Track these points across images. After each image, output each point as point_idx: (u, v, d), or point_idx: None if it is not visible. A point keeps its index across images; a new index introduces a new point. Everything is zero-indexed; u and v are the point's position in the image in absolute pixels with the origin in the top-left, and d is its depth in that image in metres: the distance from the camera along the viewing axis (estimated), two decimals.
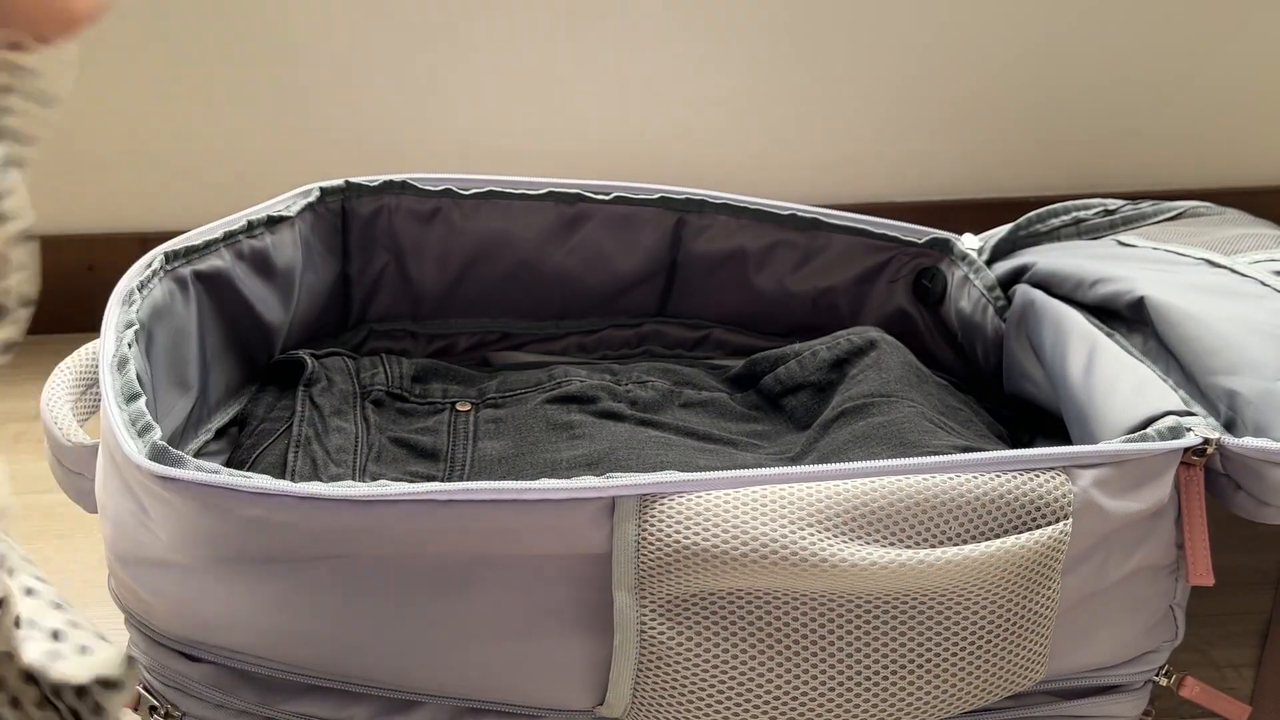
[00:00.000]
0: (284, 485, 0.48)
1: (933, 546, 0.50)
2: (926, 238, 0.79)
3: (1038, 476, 0.51)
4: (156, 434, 0.51)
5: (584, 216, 0.78)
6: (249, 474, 0.50)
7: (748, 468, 0.57)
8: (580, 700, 0.53)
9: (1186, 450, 0.53)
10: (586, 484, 0.49)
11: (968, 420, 0.70)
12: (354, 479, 0.65)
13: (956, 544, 0.50)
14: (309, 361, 0.72)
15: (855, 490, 0.50)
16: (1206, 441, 0.53)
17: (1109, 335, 0.65)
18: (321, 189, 0.75)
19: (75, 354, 0.63)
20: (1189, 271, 0.68)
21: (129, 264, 0.63)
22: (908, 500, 0.50)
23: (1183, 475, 0.54)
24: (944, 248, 0.79)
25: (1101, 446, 0.52)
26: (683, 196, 0.78)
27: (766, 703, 0.51)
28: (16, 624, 0.37)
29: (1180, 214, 0.79)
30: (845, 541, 0.49)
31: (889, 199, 0.99)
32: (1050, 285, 0.71)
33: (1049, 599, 0.52)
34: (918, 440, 0.62)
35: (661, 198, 0.78)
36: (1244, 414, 0.55)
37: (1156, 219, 0.78)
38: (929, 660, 0.51)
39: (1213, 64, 0.97)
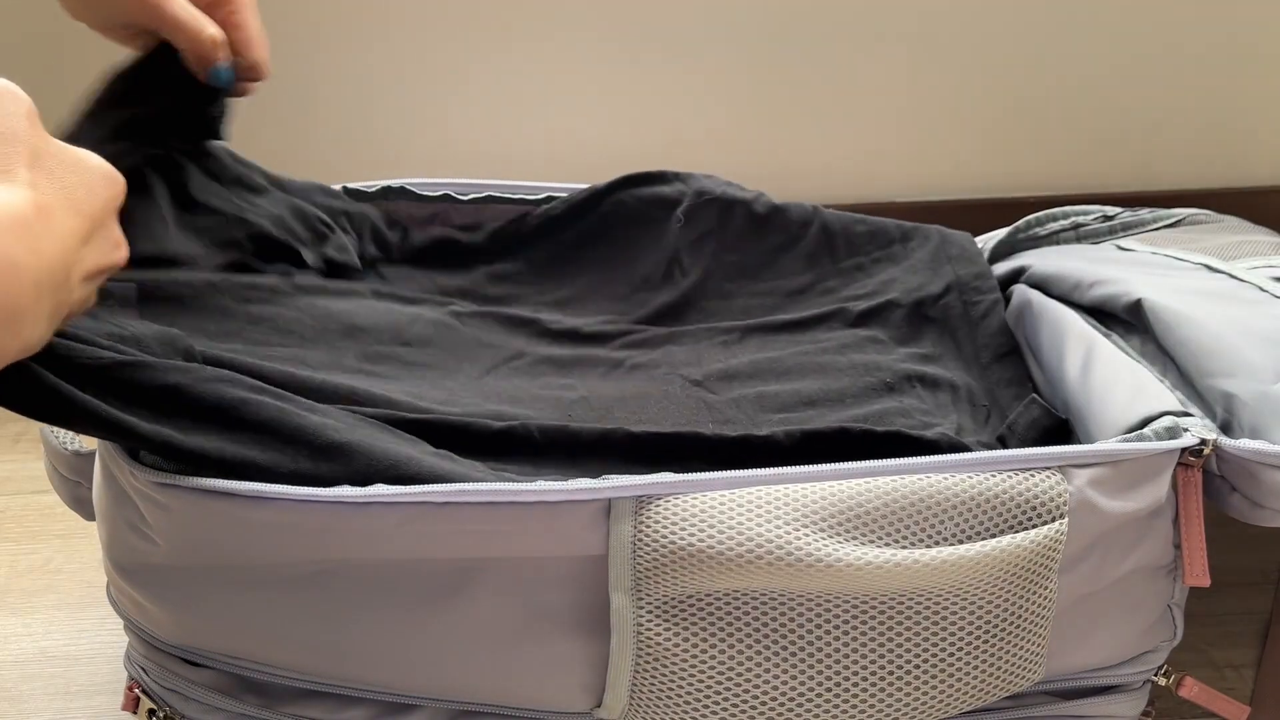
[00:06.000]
0: (280, 489, 0.48)
1: (928, 546, 0.50)
2: None
3: (1033, 476, 0.51)
4: None
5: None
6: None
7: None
8: (578, 702, 0.53)
9: (1183, 450, 0.53)
10: (582, 485, 0.49)
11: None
12: None
13: (952, 544, 0.50)
14: None
15: (850, 490, 0.50)
16: (1203, 442, 0.53)
17: (1106, 336, 0.65)
18: None
19: None
20: (1187, 275, 0.67)
21: None
22: (903, 500, 0.50)
23: (1181, 476, 0.54)
24: None
25: (1097, 446, 0.52)
26: None
27: (763, 703, 0.51)
28: None
29: (1179, 221, 0.78)
30: (841, 542, 0.49)
31: (889, 199, 0.99)
32: (1048, 286, 0.71)
33: (1046, 599, 0.52)
34: None
35: None
36: (1240, 416, 0.55)
37: (1155, 226, 0.78)
38: (926, 660, 0.51)
39: (1213, 64, 0.97)
